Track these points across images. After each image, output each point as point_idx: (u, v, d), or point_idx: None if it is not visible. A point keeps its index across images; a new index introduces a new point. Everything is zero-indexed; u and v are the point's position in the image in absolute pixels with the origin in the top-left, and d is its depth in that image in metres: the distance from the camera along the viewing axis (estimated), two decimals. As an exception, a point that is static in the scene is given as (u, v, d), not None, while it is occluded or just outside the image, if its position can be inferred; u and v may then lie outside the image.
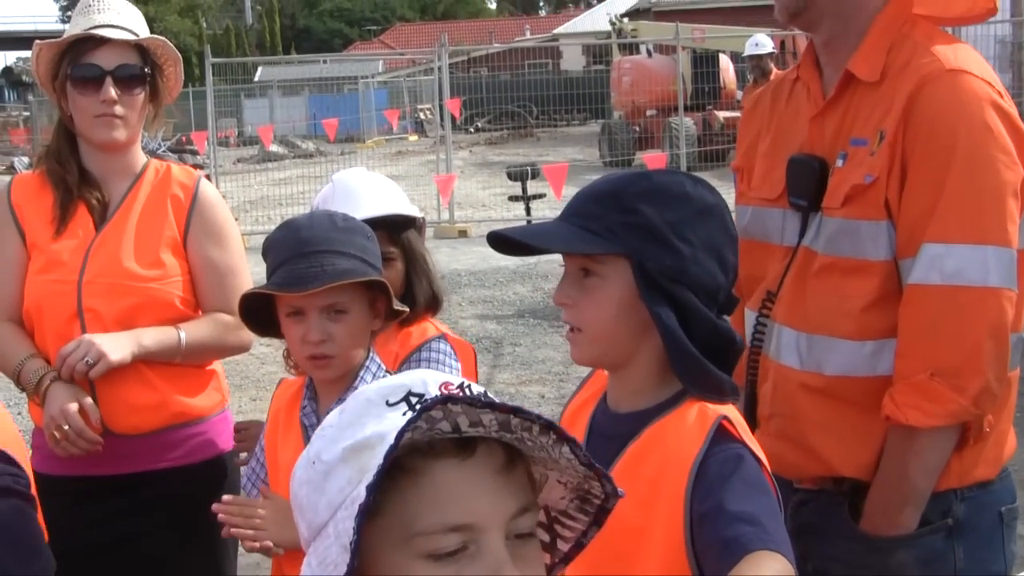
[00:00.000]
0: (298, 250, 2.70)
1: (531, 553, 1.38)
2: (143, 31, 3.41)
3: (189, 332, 3.35)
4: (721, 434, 2.01)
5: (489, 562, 1.31)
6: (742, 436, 2.02)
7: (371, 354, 2.83)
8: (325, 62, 44.99)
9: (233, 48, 61.74)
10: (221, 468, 3.47)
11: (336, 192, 3.18)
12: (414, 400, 1.36)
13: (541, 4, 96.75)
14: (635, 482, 1.95)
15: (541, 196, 17.03)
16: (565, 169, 15.73)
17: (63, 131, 3.45)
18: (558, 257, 2.14)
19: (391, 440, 1.27)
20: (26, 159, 31.95)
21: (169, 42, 3.43)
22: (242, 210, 20.12)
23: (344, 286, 2.67)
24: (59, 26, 75.32)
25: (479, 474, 1.34)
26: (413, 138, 37.19)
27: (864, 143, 2.55)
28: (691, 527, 1.95)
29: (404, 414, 1.34)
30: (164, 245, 3.39)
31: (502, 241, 2.11)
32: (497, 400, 1.32)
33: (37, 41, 3.44)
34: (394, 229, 3.16)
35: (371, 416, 1.36)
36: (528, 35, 56.88)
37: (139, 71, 3.37)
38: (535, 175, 17.07)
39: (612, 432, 2.14)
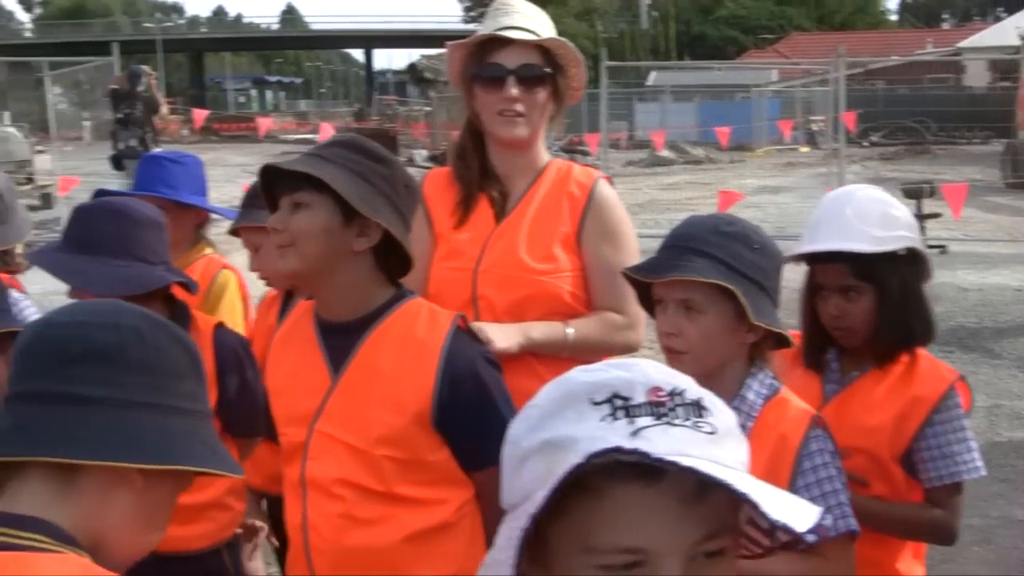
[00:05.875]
0: (670, 241, 2.72)
1: (718, 570, 1.32)
2: (548, 34, 3.49)
3: (577, 329, 3.41)
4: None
5: None
6: None
7: (762, 370, 2.75)
8: (719, 69, 44.89)
9: (627, 52, 62.36)
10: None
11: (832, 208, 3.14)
12: (618, 403, 1.31)
13: (945, 17, 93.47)
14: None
15: (936, 216, 16.43)
16: (965, 189, 15.10)
17: (470, 129, 3.58)
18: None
19: (581, 449, 1.25)
20: (425, 152, 33.34)
21: (570, 44, 3.49)
22: (630, 213, 20.25)
23: (702, 285, 2.63)
24: (462, 26, 78.17)
25: (662, 502, 1.29)
26: (804, 149, 36.61)
27: None
28: None
29: (603, 419, 1.30)
30: (557, 241, 3.46)
31: None
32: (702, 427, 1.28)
33: (448, 42, 3.60)
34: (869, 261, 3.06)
35: (571, 412, 1.32)
36: (929, 48, 54.97)
37: (540, 71, 3.46)
38: (932, 193, 16.47)
39: None
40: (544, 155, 3.61)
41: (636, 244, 3.59)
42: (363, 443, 2.79)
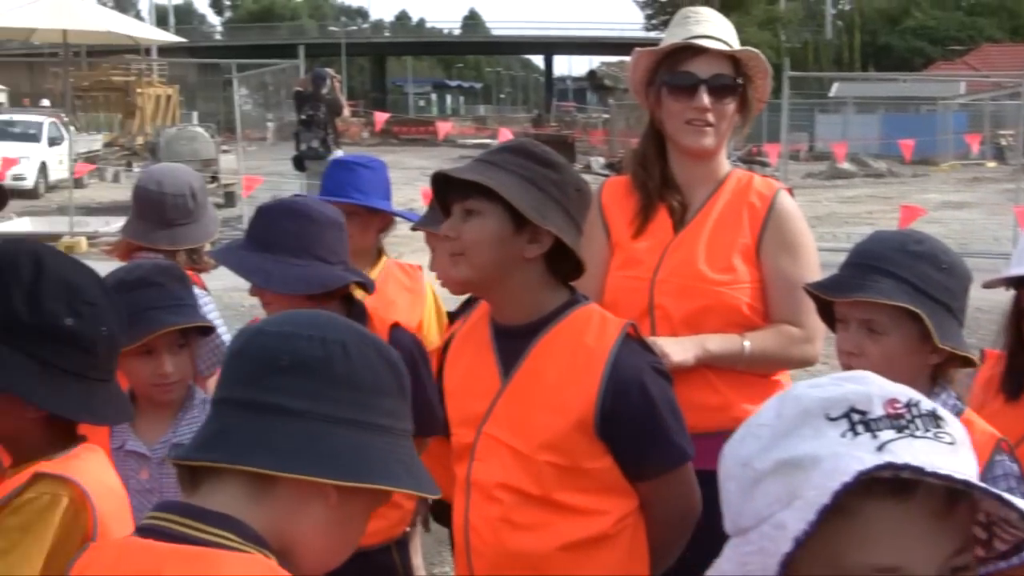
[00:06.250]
0: (855, 259, 2.68)
1: None
2: (735, 44, 3.46)
3: (754, 341, 3.37)
4: None
5: None
6: None
7: (945, 390, 2.69)
8: (904, 81, 44.03)
9: (810, 62, 61.55)
10: None
11: None
12: (856, 418, 1.28)
13: None
14: None
15: None
16: None
17: (652, 137, 3.56)
18: None
19: (826, 468, 1.22)
20: (602, 159, 33.37)
21: (762, 55, 3.46)
22: (809, 226, 20.01)
23: (887, 307, 2.58)
24: (643, 34, 78.00)
25: (915, 517, 1.26)
26: (991, 164, 35.69)
27: None
28: None
29: (843, 434, 1.27)
30: (736, 251, 3.43)
31: None
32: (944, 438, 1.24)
33: (636, 48, 3.57)
34: None
35: (808, 429, 1.29)
36: None
37: (731, 81, 3.44)
38: None
39: None
40: (725, 165, 3.58)
41: (816, 257, 3.54)
42: (526, 447, 2.79)
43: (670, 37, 3.49)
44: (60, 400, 2.28)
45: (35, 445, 2.35)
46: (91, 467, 2.39)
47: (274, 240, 3.28)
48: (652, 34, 74.63)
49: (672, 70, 3.45)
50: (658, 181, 3.51)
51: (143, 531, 1.69)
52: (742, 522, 1.34)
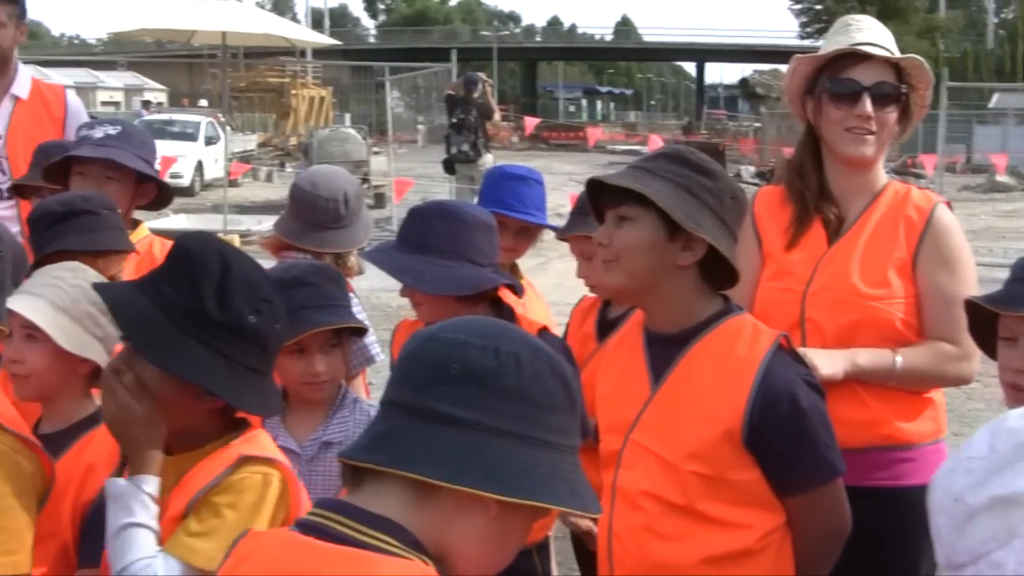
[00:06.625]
0: (1021, 274, 2.61)
1: None
2: (896, 52, 3.40)
3: (906, 357, 3.29)
4: None
5: None
6: None
7: None
8: (1068, 92, 42.84)
9: (970, 72, 60.28)
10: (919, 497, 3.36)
11: None
12: None
13: None
14: None
15: None
16: None
17: (809, 146, 3.51)
18: None
19: None
20: (752, 168, 33.12)
21: (926, 63, 3.39)
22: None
23: None
24: (797, 42, 77.11)
25: None
26: None
27: None
28: None
29: None
30: (891, 266, 3.36)
31: None
32: None
33: (796, 55, 3.53)
34: None
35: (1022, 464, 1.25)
36: None
37: (894, 90, 3.38)
38: None
39: None
40: (882, 176, 3.51)
41: (974, 273, 3.46)
42: (673, 456, 2.77)
43: (830, 44, 3.44)
44: (240, 395, 2.39)
45: (205, 434, 2.47)
46: (275, 449, 2.55)
47: (426, 241, 3.30)
48: (806, 42, 73.78)
49: (834, 77, 3.40)
50: (815, 191, 3.46)
51: (304, 527, 1.72)
52: (956, 558, 1.31)
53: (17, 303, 2.83)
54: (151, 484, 2.38)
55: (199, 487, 2.41)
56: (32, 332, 2.82)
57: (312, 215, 4.22)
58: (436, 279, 3.25)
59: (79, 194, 3.81)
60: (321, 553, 1.66)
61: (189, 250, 2.41)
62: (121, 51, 68.98)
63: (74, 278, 2.91)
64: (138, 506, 2.36)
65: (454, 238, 3.31)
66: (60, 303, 2.84)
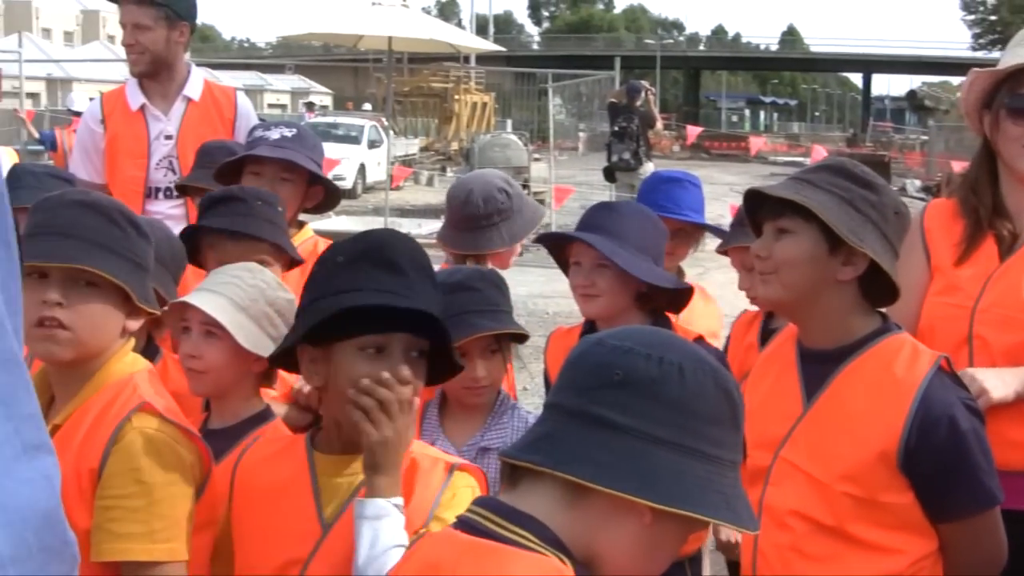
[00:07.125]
0: None
1: None
2: None
3: None
4: None
5: None
6: None
7: None
8: None
9: None
10: None
11: None
12: None
13: None
14: None
15: None
16: None
17: (985, 161, 3.42)
18: None
19: None
20: (918, 182, 32.48)
21: None
22: None
23: None
24: (969, 53, 75.51)
25: None
26: None
27: None
28: None
29: None
30: None
31: None
32: None
33: (974, 69, 3.44)
34: None
35: None
36: None
37: None
38: None
39: None
40: (1056, 192, 3.38)
41: None
42: (825, 476, 2.71)
43: (1010, 58, 3.33)
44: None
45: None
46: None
47: (623, 232, 3.41)
48: (979, 54, 72.13)
49: (1013, 92, 3.30)
50: (989, 207, 3.36)
51: (460, 523, 1.79)
52: None
53: (198, 299, 2.88)
54: (401, 503, 2.35)
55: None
56: (212, 329, 2.87)
57: (460, 218, 4.15)
58: (640, 267, 3.34)
59: (242, 187, 3.86)
60: (460, 545, 1.73)
61: None
62: (289, 55, 70.49)
63: (252, 278, 2.97)
64: (401, 529, 2.32)
65: (646, 236, 3.42)
66: (240, 301, 2.90)
